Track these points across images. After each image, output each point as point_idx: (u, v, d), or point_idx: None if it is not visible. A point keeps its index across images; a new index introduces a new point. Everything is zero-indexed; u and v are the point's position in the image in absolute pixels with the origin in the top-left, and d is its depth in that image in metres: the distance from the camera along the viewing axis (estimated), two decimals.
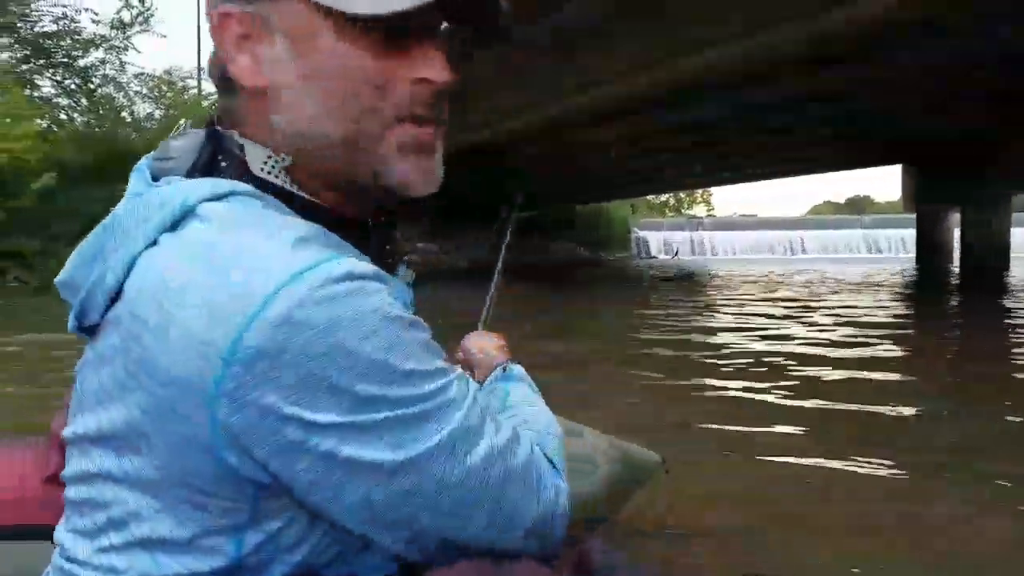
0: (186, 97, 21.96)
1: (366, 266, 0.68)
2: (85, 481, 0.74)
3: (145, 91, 21.72)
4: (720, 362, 5.65)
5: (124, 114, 20.74)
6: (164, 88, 21.60)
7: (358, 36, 0.71)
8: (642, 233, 41.00)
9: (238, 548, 0.70)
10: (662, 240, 40.50)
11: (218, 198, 0.71)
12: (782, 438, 3.45)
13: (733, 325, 8.18)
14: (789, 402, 4.23)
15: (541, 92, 12.08)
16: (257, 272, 0.63)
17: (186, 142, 0.78)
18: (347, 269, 0.65)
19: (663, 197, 53.02)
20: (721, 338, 7.02)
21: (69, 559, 0.76)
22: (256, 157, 0.76)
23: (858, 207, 73.59)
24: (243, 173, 0.75)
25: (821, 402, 4.19)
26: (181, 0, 22.21)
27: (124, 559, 0.71)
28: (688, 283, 16.57)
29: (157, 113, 21.52)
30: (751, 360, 5.69)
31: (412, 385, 0.67)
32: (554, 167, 19.96)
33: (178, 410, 0.64)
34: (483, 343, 1.10)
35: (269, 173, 0.75)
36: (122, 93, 21.17)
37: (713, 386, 4.68)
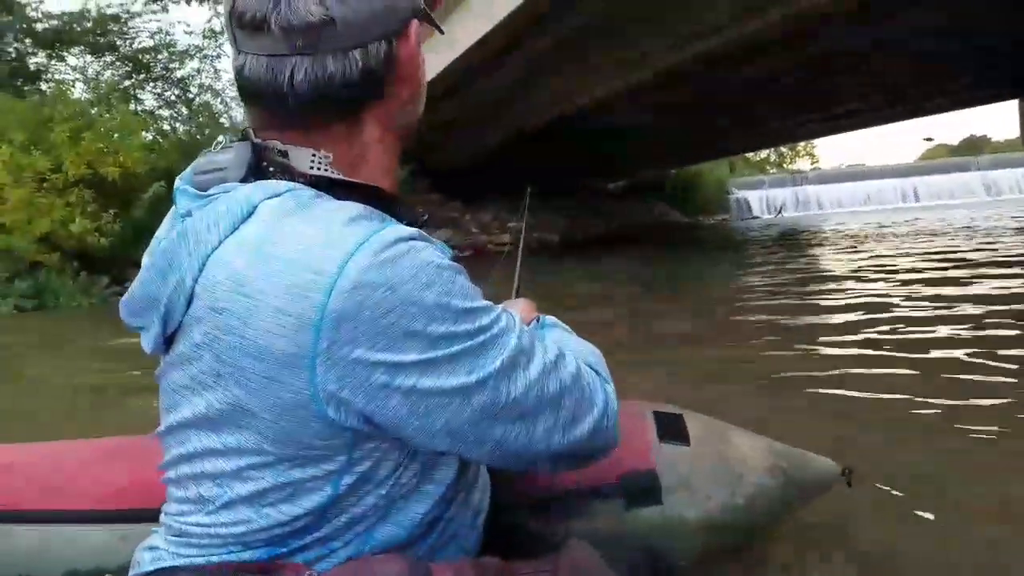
0: None
1: (410, 229, 0.80)
2: (186, 460, 0.85)
3: None
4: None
5: (222, 120, 21.45)
6: None
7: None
8: (741, 192, 39.22)
9: (336, 488, 0.82)
10: (764, 198, 39.03)
11: (277, 195, 0.81)
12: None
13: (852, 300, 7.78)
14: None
15: (650, 46, 11.09)
16: (324, 250, 0.75)
17: (233, 154, 0.88)
18: (396, 234, 0.78)
19: (763, 154, 51.08)
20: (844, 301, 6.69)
21: (176, 526, 0.87)
22: (303, 157, 0.86)
23: (975, 148, 68.72)
24: (291, 174, 0.85)
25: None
26: None
27: (230, 514, 0.83)
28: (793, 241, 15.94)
29: None
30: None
31: (472, 320, 0.79)
32: (648, 130, 19.44)
33: (278, 379, 0.76)
34: (515, 307, 1.20)
35: (317, 168, 0.86)
36: (219, 99, 21.89)
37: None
